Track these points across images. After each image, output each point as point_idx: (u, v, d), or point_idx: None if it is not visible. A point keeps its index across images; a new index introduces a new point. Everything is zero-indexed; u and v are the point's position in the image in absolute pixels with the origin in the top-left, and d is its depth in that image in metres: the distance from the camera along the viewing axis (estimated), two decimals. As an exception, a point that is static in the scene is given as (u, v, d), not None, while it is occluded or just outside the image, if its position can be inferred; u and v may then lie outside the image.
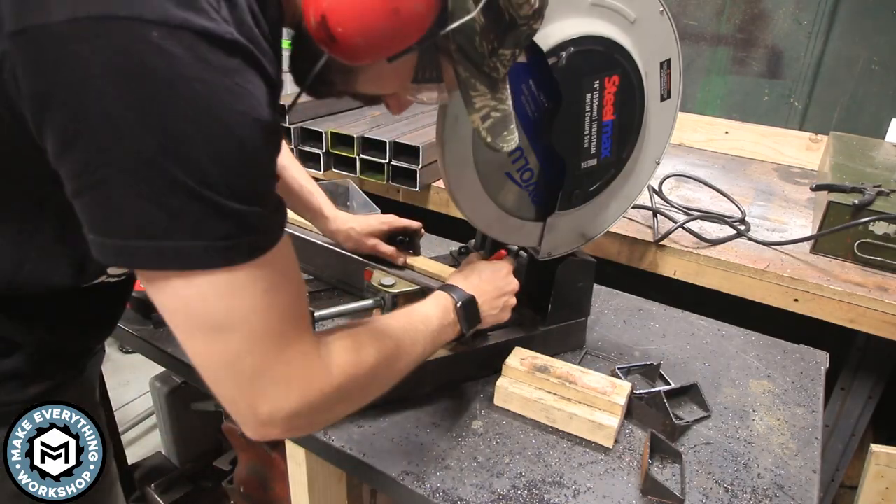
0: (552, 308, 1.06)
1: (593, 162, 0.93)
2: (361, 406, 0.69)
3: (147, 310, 1.09)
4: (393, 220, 1.18)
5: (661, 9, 0.90)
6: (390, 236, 1.17)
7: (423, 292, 1.02)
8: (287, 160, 1.11)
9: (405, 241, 1.19)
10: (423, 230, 1.21)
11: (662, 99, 0.97)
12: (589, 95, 0.87)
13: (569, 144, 0.90)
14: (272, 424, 0.58)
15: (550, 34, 0.81)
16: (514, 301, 0.96)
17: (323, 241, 1.20)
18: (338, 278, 1.17)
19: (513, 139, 0.67)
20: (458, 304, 0.86)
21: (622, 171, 0.99)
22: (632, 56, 0.88)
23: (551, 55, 0.82)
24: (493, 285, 0.93)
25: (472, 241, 1.27)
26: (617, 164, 0.97)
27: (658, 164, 1.04)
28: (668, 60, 0.94)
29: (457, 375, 1.01)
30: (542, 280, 1.06)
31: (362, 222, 1.15)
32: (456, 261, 1.25)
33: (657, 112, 0.97)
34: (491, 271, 0.95)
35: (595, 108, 0.88)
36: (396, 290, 1.01)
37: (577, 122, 0.88)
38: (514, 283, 0.96)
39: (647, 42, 0.90)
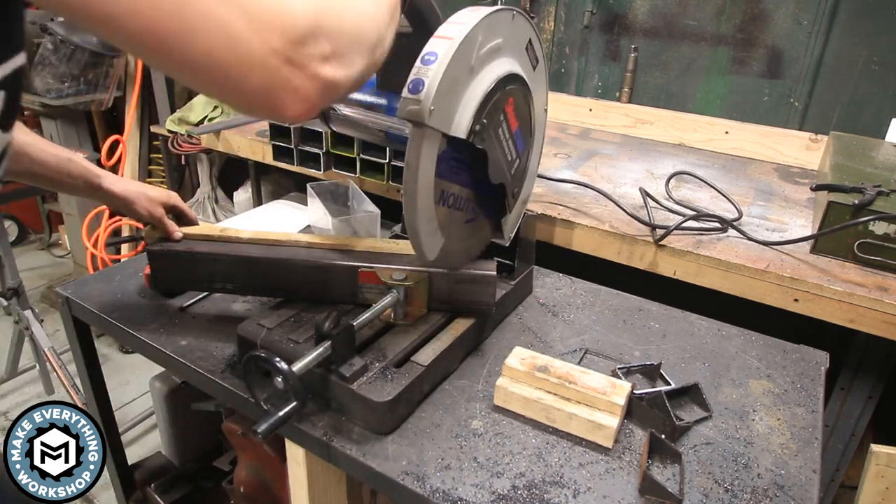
0: (518, 262, 1.23)
1: (517, 161, 1.06)
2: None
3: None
4: (177, 201, 1.23)
5: (513, 14, 0.94)
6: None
7: (430, 278, 1.05)
8: (28, 137, 1.06)
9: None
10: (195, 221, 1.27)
11: (534, 68, 1.06)
12: (500, 129, 0.96)
13: (501, 171, 1.00)
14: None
15: (459, 123, 0.87)
16: None
17: (302, 256, 1.10)
18: (321, 293, 1.08)
19: None
20: None
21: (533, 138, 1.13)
22: (516, 70, 0.96)
23: (468, 138, 0.88)
24: None
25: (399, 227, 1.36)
26: (530, 142, 1.11)
27: (546, 110, 1.16)
28: (529, 39, 1.03)
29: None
30: (501, 247, 1.20)
31: (152, 192, 1.19)
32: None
33: (535, 77, 1.06)
34: None
35: (506, 130, 0.98)
36: (409, 283, 1.03)
37: (500, 151, 0.98)
38: None
39: (515, 44, 0.98)
